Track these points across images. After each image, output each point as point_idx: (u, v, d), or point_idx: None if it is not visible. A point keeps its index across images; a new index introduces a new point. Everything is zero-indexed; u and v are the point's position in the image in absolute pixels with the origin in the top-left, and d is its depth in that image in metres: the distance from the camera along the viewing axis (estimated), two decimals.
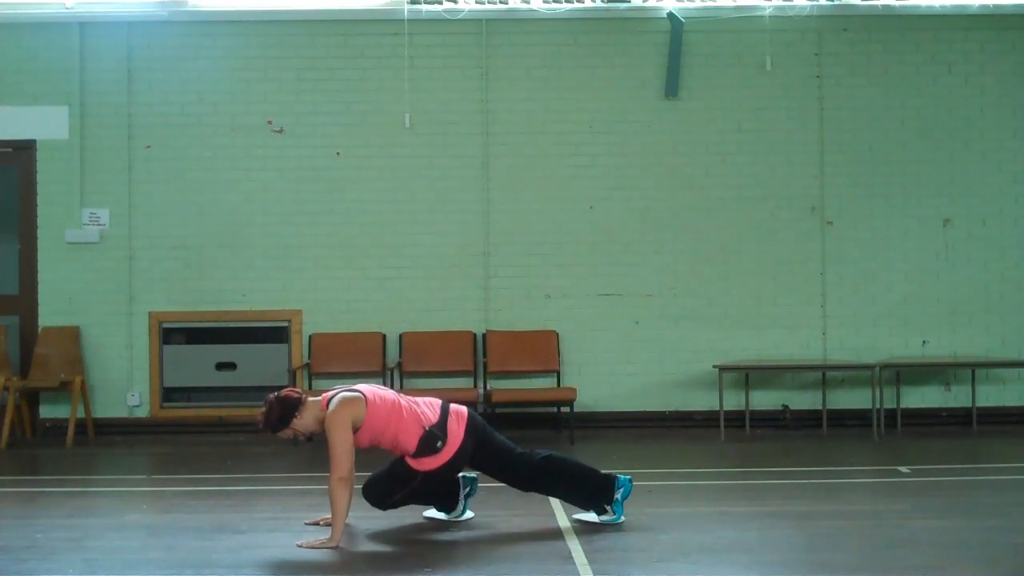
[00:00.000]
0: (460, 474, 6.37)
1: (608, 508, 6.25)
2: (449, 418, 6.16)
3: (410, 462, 6.10)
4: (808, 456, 9.17)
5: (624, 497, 6.25)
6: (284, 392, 6.13)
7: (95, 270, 10.44)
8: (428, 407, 6.18)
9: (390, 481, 6.24)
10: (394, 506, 6.34)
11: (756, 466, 8.61)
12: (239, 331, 10.49)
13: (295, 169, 10.54)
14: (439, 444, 6.07)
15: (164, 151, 10.51)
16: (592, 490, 6.27)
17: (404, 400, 6.18)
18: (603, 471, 6.38)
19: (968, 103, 10.67)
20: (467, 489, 6.41)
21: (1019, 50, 10.70)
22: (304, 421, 6.06)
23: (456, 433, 6.13)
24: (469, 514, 6.44)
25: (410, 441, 6.05)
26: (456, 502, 6.39)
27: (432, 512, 6.45)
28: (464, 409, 6.26)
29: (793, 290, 10.59)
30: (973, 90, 10.68)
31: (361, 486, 6.29)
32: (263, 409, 6.07)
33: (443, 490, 6.34)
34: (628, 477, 6.31)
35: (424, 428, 6.07)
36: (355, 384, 6.30)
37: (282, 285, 10.50)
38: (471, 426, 6.20)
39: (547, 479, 6.32)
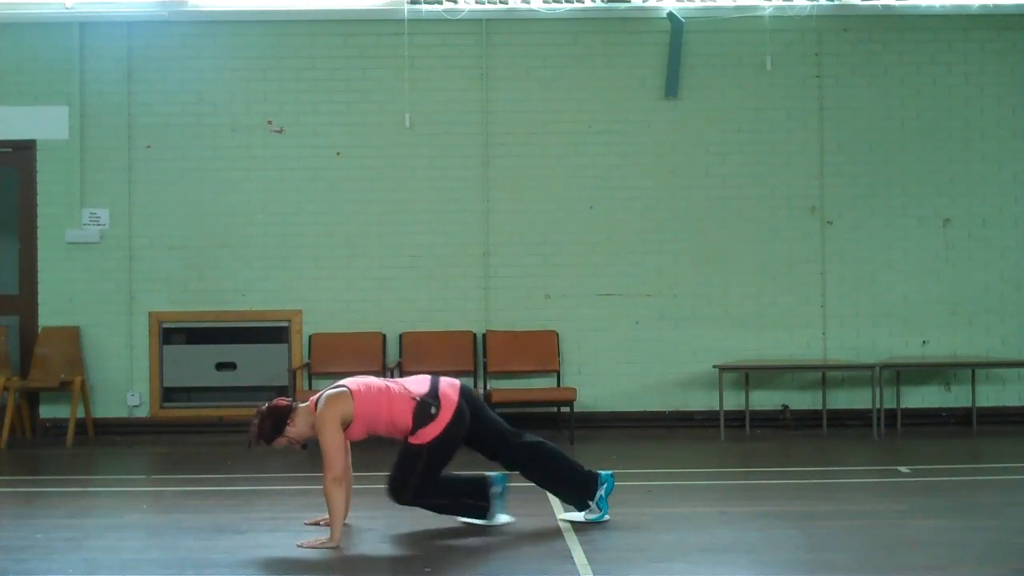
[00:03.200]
0: (488, 474, 6.29)
1: (592, 504, 6.29)
2: (441, 386, 6.18)
3: (412, 440, 6.07)
4: (808, 456, 9.18)
5: (608, 493, 6.30)
6: (273, 402, 6.14)
7: (95, 270, 10.45)
8: (417, 384, 6.19)
9: (400, 467, 6.15)
10: (416, 497, 6.15)
11: (756, 466, 8.61)
12: (239, 331, 10.49)
13: (295, 169, 10.54)
14: (433, 411, 6.05)
15: (164, 151, 10.51)
16: (575, 484, 6.31)
17: (393, 383, 6.19)
18: (586, 468, 6.39)
19: (968, 103, 10.67)
20: (497, 488, 6.26)
21: (1019, 50, 10.70)
22: (298, 428, 6.06)
23: (450, 397, 6.12)
24: (505, 518, 6.30)
25: (405, 417, 6.04)
26: (486, 506, 6.23)
27: (467, 520, 6.31)
28: (456, 380, 6.30)
29: (793, 290, 10.59)
30: (973, 90, 10.68)
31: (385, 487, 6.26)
32: (254, 422, 6.06)
33: (464, 483, 6.24)
34: (610, 472, 6.37)
35: (415, 400, 6.07)
36: (341, 380, 6.24)
37: (282, 285, 10.51)
38: (465, 390, 6.24)
39: (532, 464, 6.32)
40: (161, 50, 10.52)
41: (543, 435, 9.82)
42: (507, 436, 6.34)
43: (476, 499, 6.22)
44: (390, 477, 6.22)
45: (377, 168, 10.56)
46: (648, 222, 10.58)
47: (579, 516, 6.32)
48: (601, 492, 6.29)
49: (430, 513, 6.44)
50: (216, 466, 8.66)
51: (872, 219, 10.63)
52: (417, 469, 6.09)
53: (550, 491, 6.51)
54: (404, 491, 6.15)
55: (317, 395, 6.14)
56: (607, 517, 6.29)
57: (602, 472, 6.36)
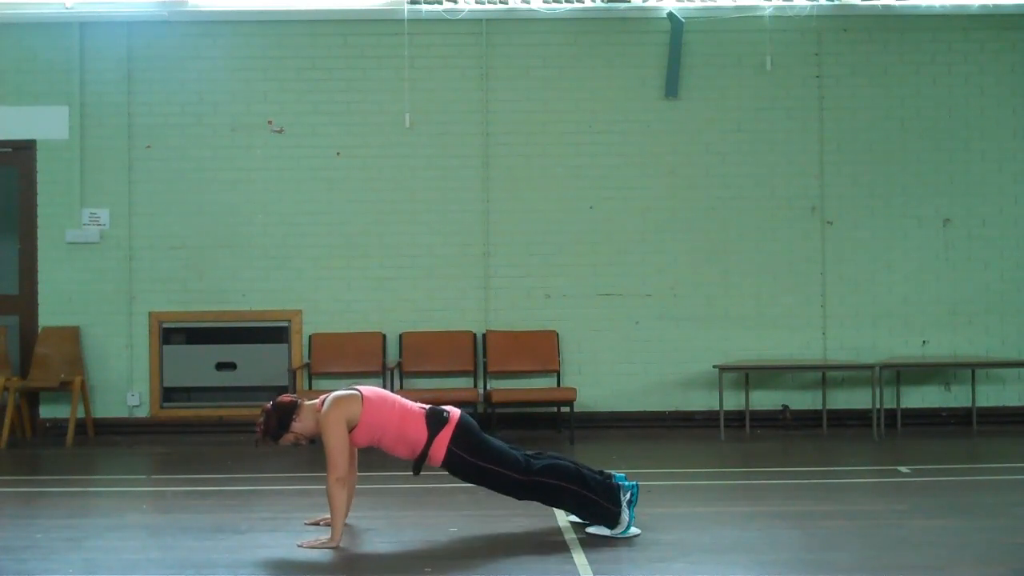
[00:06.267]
0: (616, 475, 6.13)
1: (618, 520, 6.05)
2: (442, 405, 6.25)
3: (436, 453, 6.00)
4: (808, 456, 9.18)
5: (633, 503, 6.05)
6: (279, 399, 6.14)
7: (95, 270, 10.45)
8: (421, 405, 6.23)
9: (477, 478, 6.06)
10: (535, 474, 5.99)
11: (756, 466, 8.61)
12: (239, 331, 10.49)
13: (295, 169, 10.54)
14: (445, 414, 6.08)
15: (164, 151, 10.51)
16: (594, 513, 6.10)
17: (403, 399, 6.22)
18: (606, 481, 6.11)
19: (968, 103, 10.67)
20: (627, 495, 6.04)
21: (1019, 50, 10.70)
22: (303, 424, 6.06)
23: (454, 409, 6.17)
24: (635, 530, 6.05)
25: (417, 426, 6.03)
26: (617, 511, 5.97)
27: (595, 528, 6.09)
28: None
29: (793, 290, 10.59)
30: (973, 90, 10.68)
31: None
32: (260, 420, 6.08)
33: (592, 477, 6.05)
34: (635, 483, 6.12)
35: (425, 409, 6.12)
36: (355, 385, 6.27)
37: (282, 285, 10.51)
38: (464, 413, 6.22)
39: (542, 498, 6.18)
40: (161, 50, 10.52)
41: (543, 435, 9.86)
42: (507, 474, 6.10)
43: (607, 501, 6.02)
44: (493, 489, 6.10)
45: (377, 168, 10.56)
46: (648, 222, 10.58)
47: (606, 531, 6.07)
48: (625, 500, 6.01)
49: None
50: (216, 466, 8.66)
51: (872, 219, 10.63)
52: (478, 463, 5.99)
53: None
54: (510, 478, 6.01)
55: (327, 394, 6.15)
56: (634, 530, 6.03)
57: (625, 482, 6.10)
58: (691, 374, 10.48)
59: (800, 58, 10.64)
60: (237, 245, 10.51)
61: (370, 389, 6.15)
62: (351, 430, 5.99)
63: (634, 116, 10.59)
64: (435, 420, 6.06)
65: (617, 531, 6.03)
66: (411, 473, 6.19)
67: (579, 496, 6.06)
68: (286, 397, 6.17)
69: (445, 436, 6.02)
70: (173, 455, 9.44)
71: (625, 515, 6.02)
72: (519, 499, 6.22)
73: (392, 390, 9.84)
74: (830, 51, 10.65)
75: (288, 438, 6.09)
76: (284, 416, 6.05)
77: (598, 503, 6.03)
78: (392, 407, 6.08)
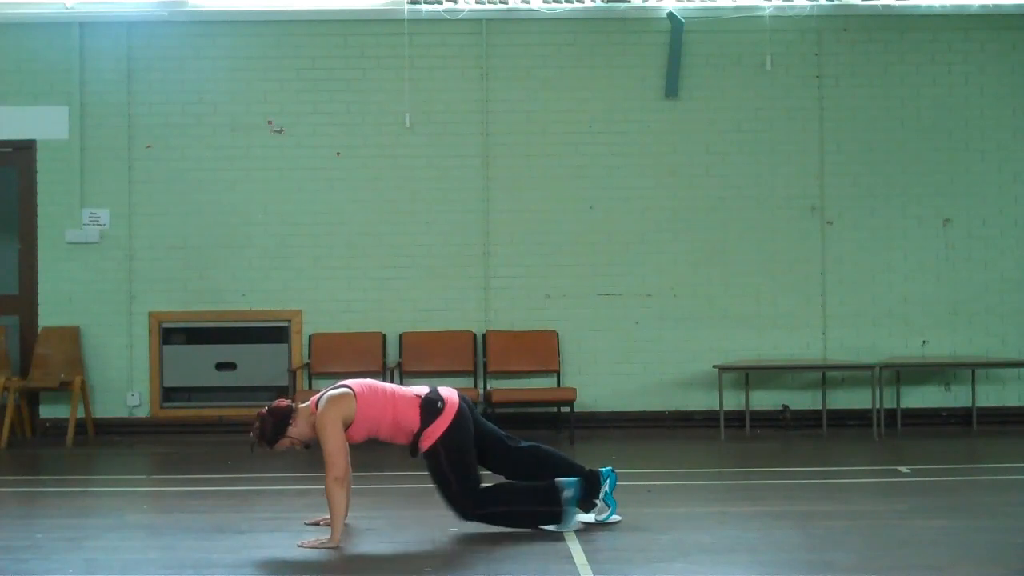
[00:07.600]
0: (558, 480, 6.15)
1: (598, 502, 6.25)
2: (440, 389, 6.20)
3: (424, 445, 6.03)
4: (808, 456, 9.18)
5: (612, 488, 6.27)
6: (274, 404, 6.11)
7: (95, 270, 10.45)
8: (417, 389, 6.21)
9: (437, 482, 6.07)
10: (477, 505, 6.03)
11: (756, 466, 8.61)
12: (239, 331, 10.49)
13: (295, 169, 10.54)
14: (439, 404, 6.05)
15: (164, 151, 10.51)
16: (538, 521, 6.18)
17: (395, 387, 6.22)
18: (587, 467, 6.36)
19: (968, 103, 10.67)
20: (569, 492, 6.08)
21: (1019, 50, 10.70)
22: (299, 428, 6.05)
23: (451, 397, 6.14)
24: (583, 518, 6.22)
25: (411, 415, 6.02)
26: (559, 511, 6.06)
27: (545, 527, 6.18)
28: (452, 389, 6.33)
29: (793, 290, 10.59)
30: (973, 90, 10.68)
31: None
32: (255, 426, 6.06)
33: (532, 490, 6.14)
34: (610, 468, 6.33)
35: (420, 396, 6.08)
36: (343, 380, 6.23)
37: (282, 285, 10.51)
38: (462, 396, 6.22)
39: (535, 466, 6.26)
40: (161, 50, 10.52)
41: (543, 435, 9.88)
42: (506, 440, 6.31)
43: (548, 505, 6.10)
44: (442, 497, 6.12)
45: (377, 168, 10.56)
46: (648, 222, 10.59)
47: (590, 517, 6.26)
48: (605, 488, 6.26)
49: (447, 512, 6.29)
50: (216, 466, 8.66)
51: (872, 219, 10.63)
52: (447, 471, 6.02)
53: None
54: (460, 502, 6.06)
55: (318, 395, 6.14)
56: (617, 516, 6.26)
57: (602, 469, 6.33)
58: (691, 374, 10.48)
59: (800, 58, 10.64)
60: (237, 245, 10.51)
61: (359, 383, 6.12)
62: (347, 428, 5.98)
63: (634, 116, 10.59)
64: (429, 410, 6.04)
65: (601, 517, 6.23)
66: (410, 458, 6.20)
67: (566, 467, 6.22)
68: (282, 402, 6.15)
69: (437, 430, 6.02)
70: (173, 455, 9.44)
71: (607, 493, 6.24)
72: (507, 463, 6.26)
73: None
74: (830, 51, 10.64)
75: (284, 443, 6.08)
76: (280, 422, 6.03)
77: (536, 515, 6.11)
78: (384, 397, 6.06)
